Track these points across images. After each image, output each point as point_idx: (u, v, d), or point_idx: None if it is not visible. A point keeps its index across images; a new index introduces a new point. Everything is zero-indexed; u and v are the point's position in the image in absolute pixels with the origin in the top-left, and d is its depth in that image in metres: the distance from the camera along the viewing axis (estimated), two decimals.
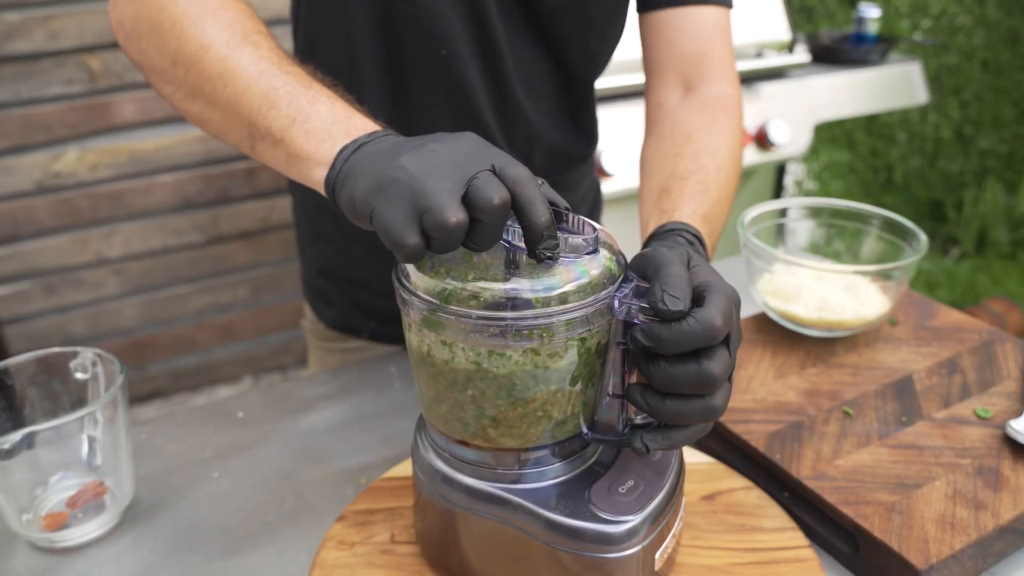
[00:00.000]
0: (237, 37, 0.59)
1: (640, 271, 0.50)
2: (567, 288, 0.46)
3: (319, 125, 0.54)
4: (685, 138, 0.72)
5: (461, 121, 0.79)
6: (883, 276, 0.81)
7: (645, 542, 0.51)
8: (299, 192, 0.99)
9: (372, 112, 0.58)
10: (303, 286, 1.06)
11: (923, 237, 0.82)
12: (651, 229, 0.63)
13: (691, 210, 0.64)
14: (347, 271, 0.96)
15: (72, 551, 0.64)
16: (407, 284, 0.49)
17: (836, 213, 0.91)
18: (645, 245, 0.61)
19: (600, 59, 0.86)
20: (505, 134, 0.83)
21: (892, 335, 0.85)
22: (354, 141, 0.52)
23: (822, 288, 0.83)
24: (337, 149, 0.52)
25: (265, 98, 0.56)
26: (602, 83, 1.01)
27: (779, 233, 0.92)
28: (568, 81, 0.85)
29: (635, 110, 1.69)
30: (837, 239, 0.95)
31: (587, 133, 0.93)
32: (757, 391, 0.75)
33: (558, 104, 0.86)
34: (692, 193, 0.66)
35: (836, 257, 0.96)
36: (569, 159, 0.92)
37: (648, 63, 0.82)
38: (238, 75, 0.57)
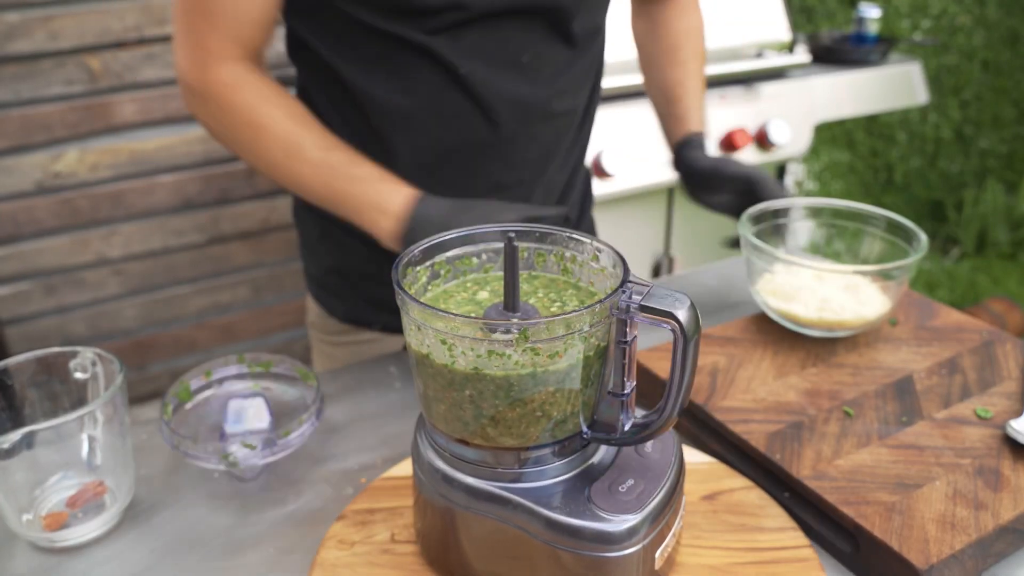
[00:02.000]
0: (294, 148, 0.77)
1: (728, 170, 0.90)
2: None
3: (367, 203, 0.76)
4: (673, 48, 0.99)
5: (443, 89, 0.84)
6: (883, 276, 0.81)
7: (645, 541, 0.51)
8: None
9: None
10: (308, 283, 1.06)
11: (923, 237, 0.82)
12: (677, 137, 0.96)
13: (698, 119, 0.96)
14: (358, 267, 0.98)
15: (72, 551, 0.64)
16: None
17: (836, 213, 0.91)
18: (678, 147, 0.96)
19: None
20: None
21: (892, 335, 0.85)
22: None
23: (822, 288, 0.83)
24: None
25: (328, 200, 0.79)
26: (603, 83, 1.01)
27: (779, 233, 0.92)
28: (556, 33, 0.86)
29: (636, 110, 1.69)
30: (837, 239, 0.95)
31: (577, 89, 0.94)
32: (757, 391, 0.75)
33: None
34: (692, 98, 0.97)
35: (836, 257, 0.96)
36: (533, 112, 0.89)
37: None
38: (303, 182, 0.79)
